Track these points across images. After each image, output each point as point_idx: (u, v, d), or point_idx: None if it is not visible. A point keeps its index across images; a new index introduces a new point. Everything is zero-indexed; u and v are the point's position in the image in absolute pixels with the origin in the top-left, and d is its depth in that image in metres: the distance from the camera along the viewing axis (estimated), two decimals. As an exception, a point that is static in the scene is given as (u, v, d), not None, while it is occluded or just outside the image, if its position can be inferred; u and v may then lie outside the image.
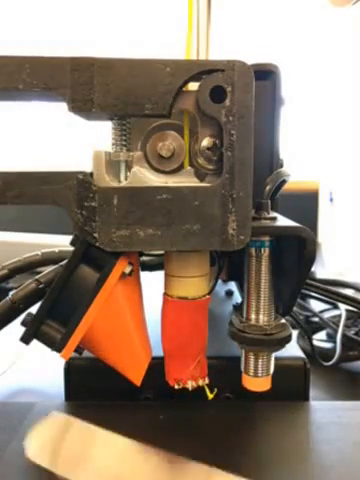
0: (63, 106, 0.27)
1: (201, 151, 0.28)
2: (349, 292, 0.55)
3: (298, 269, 0.30)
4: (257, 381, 0.32)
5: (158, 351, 0.32)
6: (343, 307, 0.53)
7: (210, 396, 0.33)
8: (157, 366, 0.32)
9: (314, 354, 0.44)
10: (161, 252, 0.40)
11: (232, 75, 0.26)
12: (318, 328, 0.55)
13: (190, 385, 0.32)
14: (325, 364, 0.45)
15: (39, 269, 0.41)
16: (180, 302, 0.31)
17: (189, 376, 0.32)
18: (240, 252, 0.29)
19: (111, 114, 0.27)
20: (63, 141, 0.99)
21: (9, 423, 0.31)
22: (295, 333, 0.51)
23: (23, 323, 0.30)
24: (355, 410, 0.34)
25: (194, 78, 0.27)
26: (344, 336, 0.48)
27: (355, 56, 1.03)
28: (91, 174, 0.27)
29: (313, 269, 0.31)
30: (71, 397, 0.35)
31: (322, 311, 0.57)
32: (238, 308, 0.34)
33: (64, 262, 0.31)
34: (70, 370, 0.35)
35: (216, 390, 0.33)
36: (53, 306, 0.30)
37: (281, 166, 0.38)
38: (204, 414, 0.33)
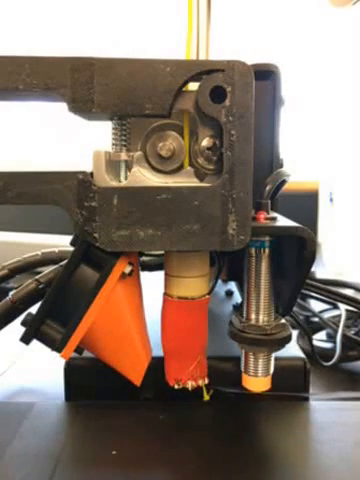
0: (62, 106, 0.27)
1: (201, 151, 0.28)
2: (349, 292, 0.55)
3: (298, 269, 0.30)
4: (257, 381, 0.32)
5: (158, 351, 0.32)
6: (343, 307, 0.52)
7: (206, 397, 0.33)
8: (157, 366, 0.32)
9: (314, 354, 0.44)
10: (161, 252, 0.40)
11: (232, 75, 0.26)
12: (318, 328, 0.55)
13: (190, 385, 0.32)
14: (325, 364, 0.45)
15: (39, 269, 0.41)
16: (180, 302, 0.31)
17: (189, 376, 0.32)
18: (240, 252, 0.29)
19: (111, 114, 0.27)
20: (63, 141, 0.99)
21: (9, 423, 0.31)
22: (295, 333, 0.51)
23: (23, 323, 0.30)
24: (355, 410, 0.34)
25: (194, 78, 0.27)
26: (344, 336, 0.48)
27: (355, 56, 1.03)
28: (91, 174, 0.27)
29: (313, 269, 0.31)
30: (71, 397, 0.35)
31: (322, 311, 0.57)
32: (238, 308, 0.34)
33: (64, 262, 0.31)
34: (70, 370, 0.35)
35: (212, 391, 0.33)
36: (53, 306, 0.30)
37: (281, 166, 0.38)
38: (204, 414, 0.33)
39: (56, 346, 0.30)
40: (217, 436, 0.30)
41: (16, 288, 0.38)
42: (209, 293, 0.32)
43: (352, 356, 0.48)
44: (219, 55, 0.59)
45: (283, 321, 0.32)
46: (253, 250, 0.31)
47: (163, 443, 0.29)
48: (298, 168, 0.54)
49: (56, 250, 0.42)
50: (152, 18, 0.93)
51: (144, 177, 0.28)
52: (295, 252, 0.30)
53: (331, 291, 0.47)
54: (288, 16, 1.00)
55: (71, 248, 0.30)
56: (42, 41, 0.97)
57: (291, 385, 0.35)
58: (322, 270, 0.79)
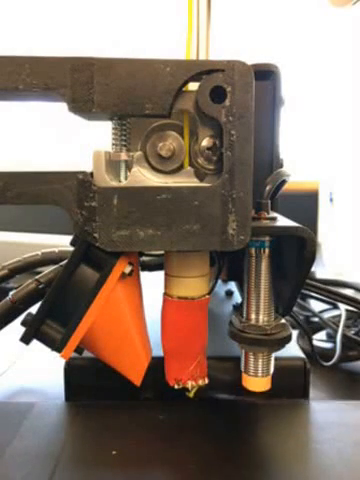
0: (62, 106, 0.27)
1: (201, 151, 0.28)
2: (349, 292, 0.55)
3: (298, 269, 0.30)
4: (257, 381, 0.32)
5: (158, 351, 0.32)
6: (343, 307, 0.52)
7: (191, 395, 0.33)
8: (157, 366, 0.32)
9: (314, 354, 0.44)
10: (161, 252, 0.40)
11: (232, 75, 0.26)
12: (318, 328, 0.55)
13: (190, 385, 0.32)
14: (325, 364, 0.45)
15: (39, 269, 0.41)
16: (180, 302, 0.31)
17: (189, 376, 0.32)
18: (240, 252, 0.29)
19: (111, 114, 0.27)
20: (63, 141, 0.99)
21: (9, 423, 0.31)
22: (295, 333, 0.51)
23: (23, 323, 0.30)
24: (355, 410, 0.34)
25: (194, 78, 0.27)
26: (344, 336, 0.48)
27: (355, 56, 1.03)
28: (91, 174, 0.27)
29: (313, 269, 0.31)
30: (71, 397, 0.35)
31: (322, 311, 0.57)
32: (238, 308, 0.34)
33: (64, 262, 0.31)
34: (70, 370, 0.35)
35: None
36: (53, 306, 0.30)
37: (281, 166, 0.38)
38: (204, 414, 0.33)
39: (56, 346, 0.30)
40: (217, 436, 0.30)
41: (16, 288, 0.38)
42: (209, 293, 0.32)
43: (352, 356, 0.48)
44: (219, 55, 0.59)
45: (283, 321, 0.32)
46: (253, 250, 0.31)
47: (163, 443, 0.29)
48: (298, 168, 0.54)
49: (56, 250, 0.42)
50: (152, 18, 0.93)
51: (144, 177, 0.28)
52: (295, 252, 0.30)
53: (331, 291, 0.47)
54: (288, 16, 1.00)
55: (71, 248, 0.30)
56: (42, 41, 0.97)
57: (291, 385, 0.35)
58: (322, 270, 0.79)
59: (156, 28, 0.90)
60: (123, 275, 0.29)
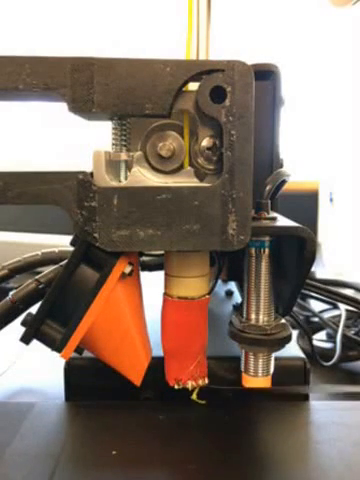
0: (62, 106, 0.27)
1: (201, 151, 0.28)
2: (349, 292, 0.55)
3: (298, 269, 0.30)
4: (257, 381, 0.32)
5: (158, 351, 0.32)
6: (343, 307, 0.53)
7: (194, 397, 0.33)
8: (157, 366, 0.32)
9: (314, 354, 0.44)
10: (161, 252, 0.40)
11: (232, 75, 0.26)
12: (318, 328, 0.55)
13: (190, 385, 0.32)
14: (325, 364, 0.45)
15: (39, 269, 0.41)
16: (180, 302, 0.31)
17: (189, 376, 0.32)
18: (240, 252, 0.29)
19: (111, 114, 0.27)
20: (63, 141, 0.99)
21: (9, 423, 0.31)
22: (295, 333, 0.51)
23: (23, 323, 0.30)
24: (355, 410, 0.34)
25: (194, 78, 0.27)
26: (344, 336, 0.48)
27: (355, 56, 1.03)
28: (91, 174, 0.27)
29: (313, 269, 0.31)
30: (71, 397, 0.35)
31: (322, 311, 0.57)
32: (238, 308, 0.34)
33: (64, 262, 0.31)
34: (70, 370, 0.35)
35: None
36: (53, 306, 0.30)
37: (281, 166, 0.38)
38: (204, 414, 0.33)
39: (56, 346, 0.30)
40: (217, 436, 0.30)
41: (16, 288, 0.38)
42: (209, 293, 0.32)
43: (352, 356, 0.48)
44: (219, 55, 0.59)
45: (283, 321, 0.32)
46: (253, 250, 0.31)
47: (163, 443, 0.29)
48: (298, 168, 0.54)
49: (56, 250, 0.42)
50: (152, 18, 0.93)
51: (144, 177, 0.28)
52: (295, 252, 0.30)
53: (331, 291, 0.47)
54: (288, 16, 1.00)
55: (71, 248, 0.30)
56: (42, 41, 0.97)
57: (291, 385, 0.35)
58: (322, 270, 0.79)
59: (156, 28, 0.90)
60: (123, 275, 0.29)
